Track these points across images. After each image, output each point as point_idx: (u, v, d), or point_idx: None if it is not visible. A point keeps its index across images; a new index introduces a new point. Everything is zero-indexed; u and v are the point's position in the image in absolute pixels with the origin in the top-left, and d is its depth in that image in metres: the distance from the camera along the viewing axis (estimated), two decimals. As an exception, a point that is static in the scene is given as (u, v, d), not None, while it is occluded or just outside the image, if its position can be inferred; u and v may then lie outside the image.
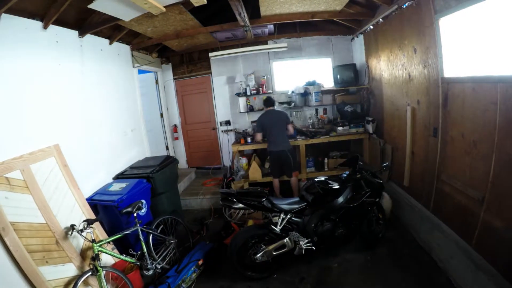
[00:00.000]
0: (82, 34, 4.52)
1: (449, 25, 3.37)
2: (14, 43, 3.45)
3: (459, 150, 3.32)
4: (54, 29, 4.02)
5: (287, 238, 3.77)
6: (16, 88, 3.44)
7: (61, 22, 4.08)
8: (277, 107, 6.92)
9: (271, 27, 6.49)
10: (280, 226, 3.75)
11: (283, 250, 3.78)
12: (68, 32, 4.32)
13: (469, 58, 3.15)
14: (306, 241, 3.81)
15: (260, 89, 7.19)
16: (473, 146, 3.06)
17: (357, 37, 6.60)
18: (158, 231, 4.21)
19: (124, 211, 3.79)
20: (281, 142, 5.59)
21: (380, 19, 5.04)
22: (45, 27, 3.84)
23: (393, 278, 3.55)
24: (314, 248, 3.84)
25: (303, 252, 3.81)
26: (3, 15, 3.23)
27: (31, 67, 3.67)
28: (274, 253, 3.75)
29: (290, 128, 5.70)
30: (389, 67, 5.08)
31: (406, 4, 4.11)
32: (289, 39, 7.17)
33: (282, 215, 3.77)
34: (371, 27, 5.59)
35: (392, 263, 3.83)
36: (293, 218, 3.85)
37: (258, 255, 3.71)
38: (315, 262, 4.04)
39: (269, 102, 5.76)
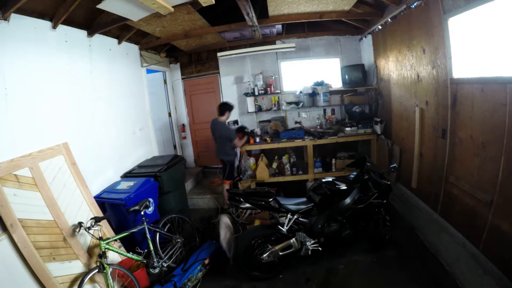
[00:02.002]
0: (91, 34, 4.55)
1: (458, 25, 3.33)
2: (24, 42, 3.49)
3: (468, 152, 3.28)
4: (63, 29, 4.06)
5: (293, 239, 3.76)
6: (25, 87, 3.47)
7: (70, 22, 4.12)
8: (285, 106, 6.95)
9: (279, 27, 6.49)
10: (287, 226, 3.75)
11: (290, 251, 3.77)
12: (77, 32, 4.36)
13: (478, 59, 3.10)
14: (313, 241, 3.81)
15: (268, 89, 7.18)
16: (482, 148, 3.02)
17: (366, 37, 6.57)
18: (165, 230, 4.24)
19: (132, 209, 3.83)
20: (220, 151, 5.81)
21: (389, 19, 5.00)
22: (54, 27, 3.88)
23: (399, 281, 3.53)
24: (320, 249, 3.83)
25: (310, 253, 3.81)
26: (13, 15, 3.27)
27: (40, 67, 3.71)
28: (281, 253, 3.74)
29: (236, 143, 5.70)
30: (398, 68, 5.04)
31: (415, 4, 4.07)
32: (297, 39, 7.15)
33: (289, 216, 3.77)
34: (380, 27, 5.55)
35: (399, 265, 3.80)
36: (300, 219, 3.84)
37: (264, 255, 3.71)
38: (321, 263, 4.03)
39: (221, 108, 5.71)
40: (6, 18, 3.21)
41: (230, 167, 5.87)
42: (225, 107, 5.64)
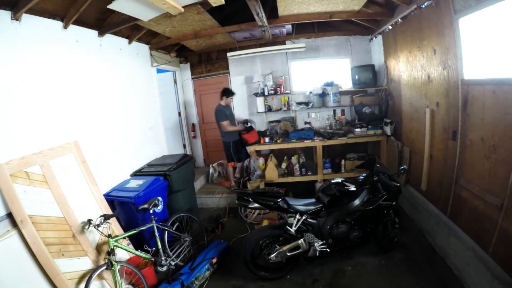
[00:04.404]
0: (101, 33, 4.60)
1: (469, 25, 3.28)
2: (35, 42, 3.55)
3: (478, 154, 3.23)
4: (74, 29, 4.12)
5: (301, 239, 3.75)
6: (36, 85, 3.53)
7: (81, 22, 4.18)
8: (295, 107, 6.97)
9: (289, 27, 6.48)
10: (295, 227, 3.74)
11: (297, 251, 3.76)
12: (88, 32, 4.42)
13: (490, 60, 3.06)
14: (321, 243, 3.78)
15: (278, 89, 7.19)
16: (493, 150, 2.97)
17: (376, 37, 6.52)
18: (174, 228, 4.26)
19: (141, 207, 3.86)
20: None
21: (399, 19, 4.96)
22: (65, 27, 3.93)
23: (407, 284, 3.50)
24: (328, 250, 3.81)
25: (317, 254, 3.78)
26: (24, 15, 3.32)
27: (51, 66, 3.77)
28: (288, 254, 3.73)
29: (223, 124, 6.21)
30: (408, 68, 4.99)
31: (425, 4, 4.02)
32: (307, 39, 7.14)
33: (297, 216, 3.76)
34: (390, 27, 5.51)
35: (407, 269, 3.76)
36: (309, 220, 3.82)
37: (272, 255, 3.71)
38: (328, 265, 4.01)
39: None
40: (17, 18, 3.27)
41: (225, 148, 6.46)
42: (222, 92, 6.34)
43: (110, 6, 3.69)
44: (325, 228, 3.81)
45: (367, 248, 4.13)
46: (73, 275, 3.28)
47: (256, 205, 3.78)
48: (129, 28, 5.14)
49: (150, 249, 3.99)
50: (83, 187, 3.89)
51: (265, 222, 4.91)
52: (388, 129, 5.91)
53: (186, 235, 4.36)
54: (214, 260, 4.14)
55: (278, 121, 7.30)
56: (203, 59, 7.86)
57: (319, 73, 7.28)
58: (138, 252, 3.76)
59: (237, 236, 4.98)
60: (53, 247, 3.19)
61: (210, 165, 7.51)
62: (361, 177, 4.11)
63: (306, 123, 7.16)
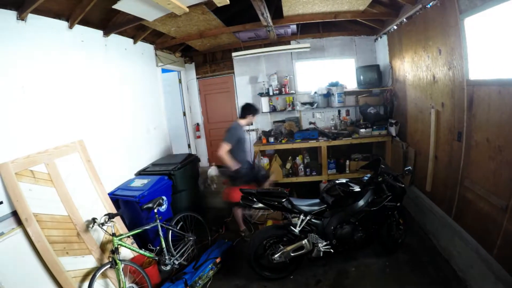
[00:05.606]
0: (106, 33, 4.63)
1: (474, 26, 3.26)
2: (40, 42, 3.58)
3: (484, 155, 3.20)
4: (79, 29, 4.14)
5: (305, 240, 3.73)
6: (41, 85, 3.56)
7: (86, 22, 4.21)
8: (299, 107, 6.95)
9: (294, 27, 6.46)
10: (299, 227, 3.73)
11: (301, 252, 3.75)
12: (93, 31, 4.44)
13: (496, 60, 3.03)
14: (325, 243, 3.77)
15: (283, 89, 7.18)
16: (498, 151, 2.95)
17: (381, 37, 6.49)
18: (178, 228, 4.27)
19: (145, 206, 3.86)
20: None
21: (404, 19, 4.94)
22: (70, 27, 3.96)
23: (410, 285, 3.49)
24: (332, 251, 3.79)
25: (321, 255, 3.77)
26: (29, 15, 3.35)
27: (56, 65, 3.79)
28: (292, 254, 3.72)
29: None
30: (413, 69, 4.97)
31: (431, 4, 4.00)
32: (312, 39, 7.11)
33: (301, 217, 3.75)
34: (395, 27, 5.49)
35: (411, 270, 3.74)
36: (313, 220, 3.81)
37: (275, 256, 3.70)
38: (332, 265, 4.01)
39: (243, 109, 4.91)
40: (23, 18, 3.30)
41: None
42: (246, 110, 4.84)
43: (115, 6, 3.70)
44: (329, 228, 3.80)
45: (371, 249, 4.13)
46: (77, 273, 3.30)
47: (260, 205, 3.77)
48: (134, 28, 5.16)
49: (154, 248, 4.00)
50: (88, 186, 3.91)
51: (269, 222, 4.91)
52: (393, 130, 5.88)
53: (190, 234, 4.36)
54: (217, 260, 4.15)
55: (283, 121, 7.30)
56: (208, 59, 7.87)
57: (324, 73, 7.26)
58: (142, 251, 3.77)
59: (241, 236, 4.98)
60: (57, 245, 3.22)
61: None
62: (366, 178, 4.10)
63: (310, 123, 7.15)
